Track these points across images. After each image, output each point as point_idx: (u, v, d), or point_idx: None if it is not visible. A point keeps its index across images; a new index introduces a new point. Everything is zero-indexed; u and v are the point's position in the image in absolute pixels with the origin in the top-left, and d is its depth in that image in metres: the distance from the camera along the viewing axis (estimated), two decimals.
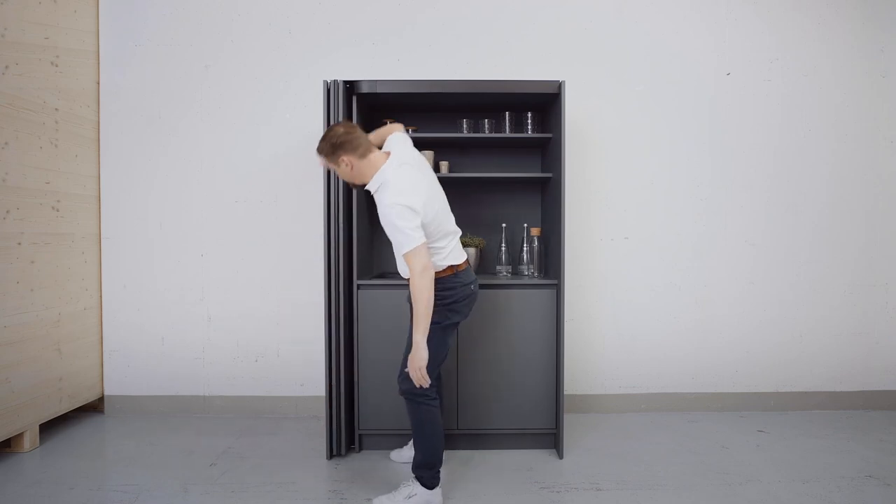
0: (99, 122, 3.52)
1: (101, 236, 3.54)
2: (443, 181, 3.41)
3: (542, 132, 3.23)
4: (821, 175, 3.63)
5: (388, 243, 3.46)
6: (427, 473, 2.38)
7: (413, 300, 2.19)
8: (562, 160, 2.85)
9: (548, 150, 3.22)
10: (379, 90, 2.93)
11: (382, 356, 2.91)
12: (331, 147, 2.29)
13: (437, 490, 2.39)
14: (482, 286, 2.92)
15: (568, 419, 3.40)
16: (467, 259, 2.48)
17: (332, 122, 2.83)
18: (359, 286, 2.91)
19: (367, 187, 2.34)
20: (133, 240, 3.54)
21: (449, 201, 3.41)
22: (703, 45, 3.58)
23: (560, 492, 2.53)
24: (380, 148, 2.46)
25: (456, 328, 2.46)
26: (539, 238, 3.21)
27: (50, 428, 3.24)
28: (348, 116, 2.92)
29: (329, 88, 2.84)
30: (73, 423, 3.39)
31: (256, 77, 3.54)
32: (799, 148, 3.62)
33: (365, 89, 2.93)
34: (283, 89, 3.52)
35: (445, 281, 2.36)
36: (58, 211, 3.16)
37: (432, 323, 2.29)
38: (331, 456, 2.87)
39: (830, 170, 3.63)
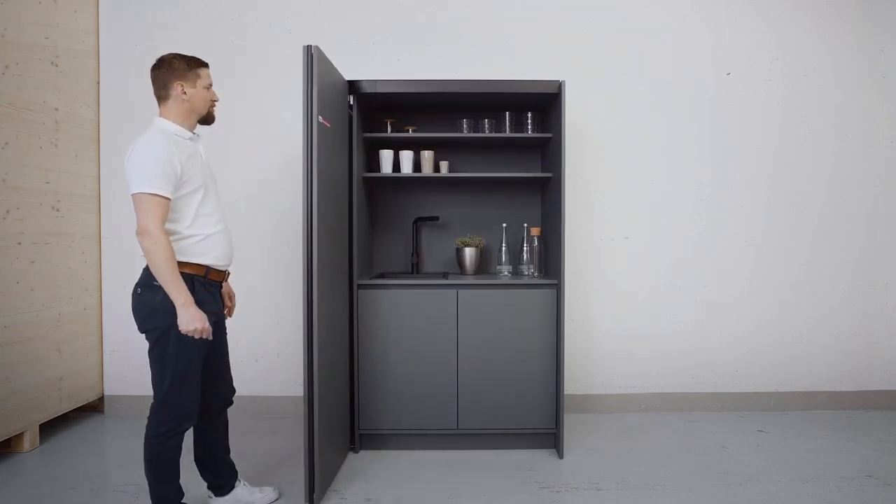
0: (99, 122, 3.52)
1: (101, 236, 3.54)
2: (443, 181, 3.44)
3: (542, 132, 3.23)
4: (821, 175, 3.63)
5: (388, 242, 3.47)
6: None
7: None
8: (562, 160, 2.85)
9: (548, 150, 3.22)
10: (379, 90, 2.93)
11: (382, 356, 2.91)
12: (187, 63, 2.09)
13: None
14: (483, 286, 2.92)
15: (568, 419, 3.40)
16: None
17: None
18: (358, 286, 2.90)
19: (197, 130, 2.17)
20: (133, 240, 3.50)
21: (449, 201, 3.46)
22: (703, 45, 3.58)
23: (560, 492, 2.53)
24: None
25: None
26: (539, 238, 3.21)
27: (50, 428, 3.24)
28: (349, 116, 2.91)
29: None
30: (73, 423, 3.38)
31: (256, 76, 3.53)
32: (799, 148, 3.62)
33: (365, 89, 2.93)
34: (282, 89, 3.52)
35: None
36: (58, 211, 3.16)
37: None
38: None
39: (830, 170, 3.63)
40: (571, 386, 3.55)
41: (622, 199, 3.59)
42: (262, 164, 3.53)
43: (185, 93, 2.08)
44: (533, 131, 3.22)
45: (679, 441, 3.12)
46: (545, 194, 3.29)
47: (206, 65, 2.15)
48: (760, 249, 3.63)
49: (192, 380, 2.07)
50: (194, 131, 2.16)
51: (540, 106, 3.23)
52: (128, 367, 3.54)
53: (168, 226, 2.00)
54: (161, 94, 2.09)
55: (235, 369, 3.53)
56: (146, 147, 1.95)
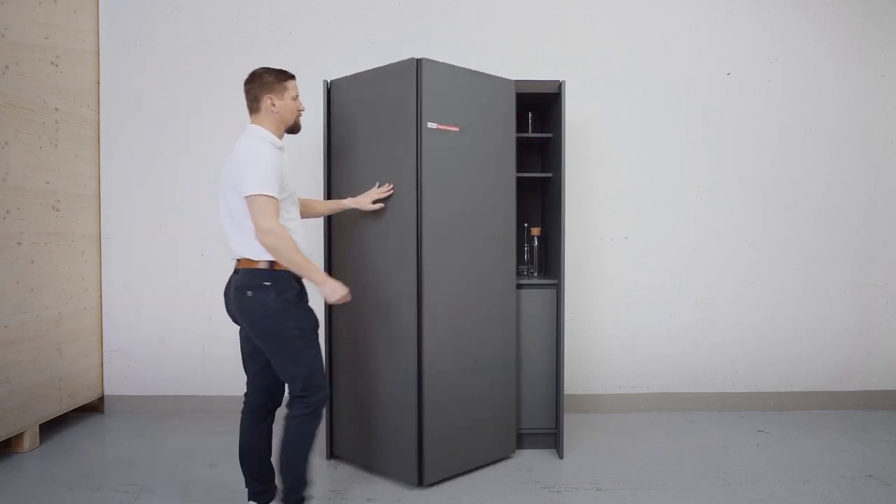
0: (99, 122, 3.52)
1: (101, 236, 3.54)
2: None
3: (542, 132, 3.23)
4: (820, 175, 3.63)
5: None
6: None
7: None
8: (562, 160, 2.85)
9: (548, 150, 3.22)
10: None
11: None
12: (276, 77, 2.23)
13: None
14: None
15: (568, 419, 3.40)
16: (237, 261, 2.15)
17: (332, 123, 2.83)
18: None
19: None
20: (133, 240, 3.54)
21: None
22: (704, 45, 3.58)
23: (560, 492, 2.53)
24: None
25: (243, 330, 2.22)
26: (539, 238, 3.21)
27: (50, 428, 3.24)
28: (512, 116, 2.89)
29: (329, 88, 2.83)
30: (73, 423, 3.38)
31: None
32: (799, 148, 3.62)
33: None
34: None
35: None
36: (58, 211, 3.16)
37: None
38: (331, 456, 2.87)
39: (830, 169, 3.63)
40: (571, 386, 3.55)
41: (622, 199, 3.59)
42: None
43: (274, 105, 2.19)
44: (533, 131, 3.22)
45: (679, 441, 3.12)
46: (545, 194, 3.29)
47: (293, 77, 2.27)
48: (760, 249, 3.63)
49: (321, 363, 2.17)
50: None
51: (540, 106, 3.23)
52: (128, 367, 3.54)
53: None
54: (253, 106, 2.21)
55: (235, 369, 3.53)
56: (256, 151, 2.05)
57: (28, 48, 2.94)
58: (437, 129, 2.53)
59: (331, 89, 2.83)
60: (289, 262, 2.04)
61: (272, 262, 2.07)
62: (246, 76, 2.26)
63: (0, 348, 2.76)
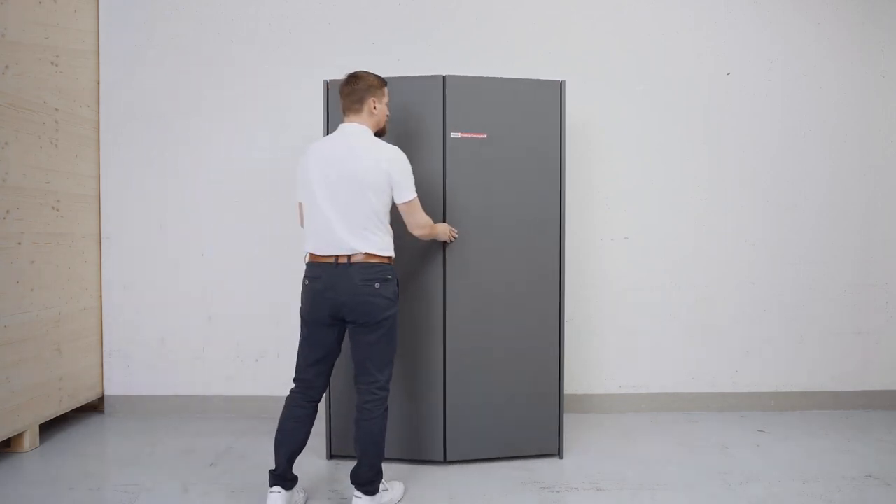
0: (99, 122, 3.52)
1: (101, 236, 3.54)
2: None
3: None
4: (820, 175, 3.63)
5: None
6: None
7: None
8: (562, 160, 2.85)
9: None
10: None
11: None
12: (379, 81, 2.31)
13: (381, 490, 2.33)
14: None
15: (568, 419, 3.40)
16: (322, 255, 2.20)
17: (330, 122, 2.83)
18: None
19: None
20: (133, 240, 3.54)
21: None
22: (703, 46, 3.58)
23: (560, 492, 2.53)
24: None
25: (308, 323, 2.26)
26: None
27: (50, 428, 3.24)
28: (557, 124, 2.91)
29: (329, 88, 2.83)
30: (73, 423, 3.38)
31: (256, 77, 3.54)
32: (798, 148, 3.62)
33: None
34: (283, 89, 3.52)
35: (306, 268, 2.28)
36: (58, 211, 3.16)
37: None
38: (331, 456, 2.87)
39: (830, 169, 3.63)
40: (571, 386, 3.55)
41: (622, 199, 3.59)
42: (265, 165, 3.53)
43: (375, 108, 2.28)
44: None
45: (679, 441, 3.12)
46: None
47: (387, 83, 2.37)
48: (760, 249, 3.63)
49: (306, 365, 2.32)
50: None
51: None
52: (128, 367, 3.54)
53: (384, 228, 2.26)
54: (354, 107, 2.26)
55: (235, 369, 3.55)
56: (400, 154, 2.25)
57: (28, 48, 2.94)
58: (462, 137, 2.68)
59: (330, 89, 2.83)
60: (436, 236, 2.50)
61: (389, 257, 2.25)
62: (347, 76, 2.28)
63: (0, 348, 2.76)
